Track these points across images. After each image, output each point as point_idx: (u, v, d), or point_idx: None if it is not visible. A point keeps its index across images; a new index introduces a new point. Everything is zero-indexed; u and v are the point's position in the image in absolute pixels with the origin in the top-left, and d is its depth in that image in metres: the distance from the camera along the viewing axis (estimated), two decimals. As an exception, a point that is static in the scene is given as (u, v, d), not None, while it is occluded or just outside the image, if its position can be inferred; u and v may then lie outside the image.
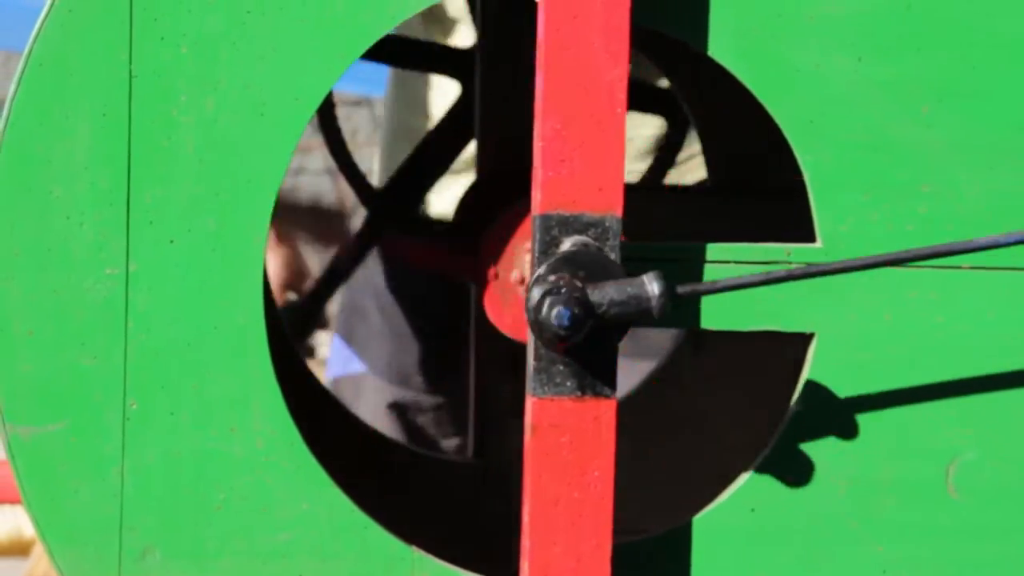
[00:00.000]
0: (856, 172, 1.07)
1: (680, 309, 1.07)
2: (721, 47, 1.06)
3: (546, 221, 1.01)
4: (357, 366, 2.35)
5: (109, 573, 1.06)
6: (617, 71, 1.01)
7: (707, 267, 1.07)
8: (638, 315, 1.00)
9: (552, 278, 1.00)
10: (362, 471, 1.63)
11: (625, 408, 1.14)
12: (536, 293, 1.00)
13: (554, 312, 0.99)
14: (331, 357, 2.43)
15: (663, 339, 1.84)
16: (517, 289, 1.32)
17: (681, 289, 1.02)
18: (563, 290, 0.99)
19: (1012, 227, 1.08)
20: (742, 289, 1.04)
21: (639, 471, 1.29)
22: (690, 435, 1.73)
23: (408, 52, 1.82)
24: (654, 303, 1.00)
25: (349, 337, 2.38)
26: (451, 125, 1.75)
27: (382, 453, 1.67)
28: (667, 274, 1.01)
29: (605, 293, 1.00)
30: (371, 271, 2.32)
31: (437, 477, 1.68)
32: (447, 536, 1.28)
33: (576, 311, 0.99)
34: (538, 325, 1.00)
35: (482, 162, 1.55)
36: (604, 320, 1.00)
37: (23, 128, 1.03)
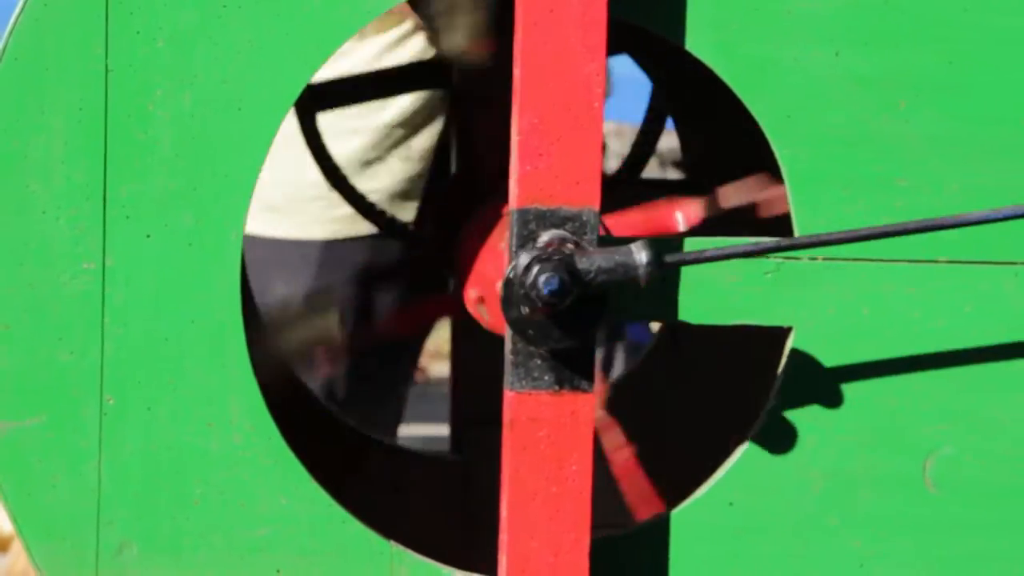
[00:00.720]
0: (833, 166, 1.07)
1: (658, 303, 1.07)
2: (699, 41, 1.06)
3: (523, 215, 1.01)
4: None
5: (86, 568, 1.06)
6: (594, 65, 1.01)
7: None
8: (625, 282, 1.00)
9: (541, 243, 1.00)
10: (342, 466, 1.62)
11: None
12: (524, 258, 1.00)
13: (542, 278, 0.98)
14: None
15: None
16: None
17: (669, 257, 1.02)
18: (552, 256, 0.99)
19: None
20: (728, 259, 1.04)
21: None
22: (668, 430, 1.73)
23: None
24: (641, 271, 1.00)
25: None
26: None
27: (363, 448, 1.67)
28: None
29: (593, 260, 1.00)
30: None
31: (417, 472, 1.68)
32: (430, 530, 1.28)
33: (564, 277, 0.99)
34: (524, 290, 1.00)
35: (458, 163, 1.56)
36: (591, 287, 1.00)
37: (-1, 122, 1.03)
